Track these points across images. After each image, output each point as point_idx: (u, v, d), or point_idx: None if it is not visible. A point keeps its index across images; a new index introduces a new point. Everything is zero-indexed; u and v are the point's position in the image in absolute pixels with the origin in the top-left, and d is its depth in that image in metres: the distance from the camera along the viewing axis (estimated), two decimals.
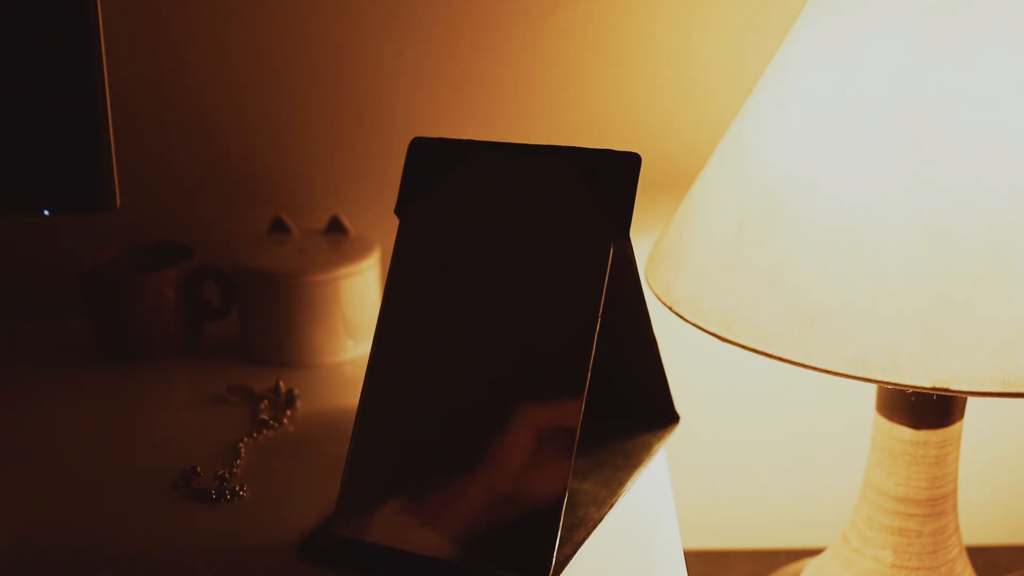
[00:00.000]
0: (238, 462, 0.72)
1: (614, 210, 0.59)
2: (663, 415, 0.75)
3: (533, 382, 0.58)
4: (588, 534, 0.63)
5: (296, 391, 0.80)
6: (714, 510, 1.01)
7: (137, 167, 0.90)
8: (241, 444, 0.74)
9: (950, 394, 0.55)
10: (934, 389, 0.54)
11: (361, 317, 0.87)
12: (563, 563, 0.60)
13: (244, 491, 0.68)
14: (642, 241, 0.88)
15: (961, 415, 0.67)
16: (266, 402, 0.79)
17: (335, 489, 0.62)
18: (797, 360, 0.57)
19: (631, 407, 0.74)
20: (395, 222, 0.64)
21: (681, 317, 0.64)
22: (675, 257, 0.67)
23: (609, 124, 0.92)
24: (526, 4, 0.89)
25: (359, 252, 0.87)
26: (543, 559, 0.56)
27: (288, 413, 0.78)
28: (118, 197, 0.69)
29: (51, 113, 0.67)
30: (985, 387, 0.54)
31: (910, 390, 0.57)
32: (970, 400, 0.69)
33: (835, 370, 0.56)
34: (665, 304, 0.66)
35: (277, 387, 0.80)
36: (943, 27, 0.57)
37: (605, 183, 0.59)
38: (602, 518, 0.64)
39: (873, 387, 0.70)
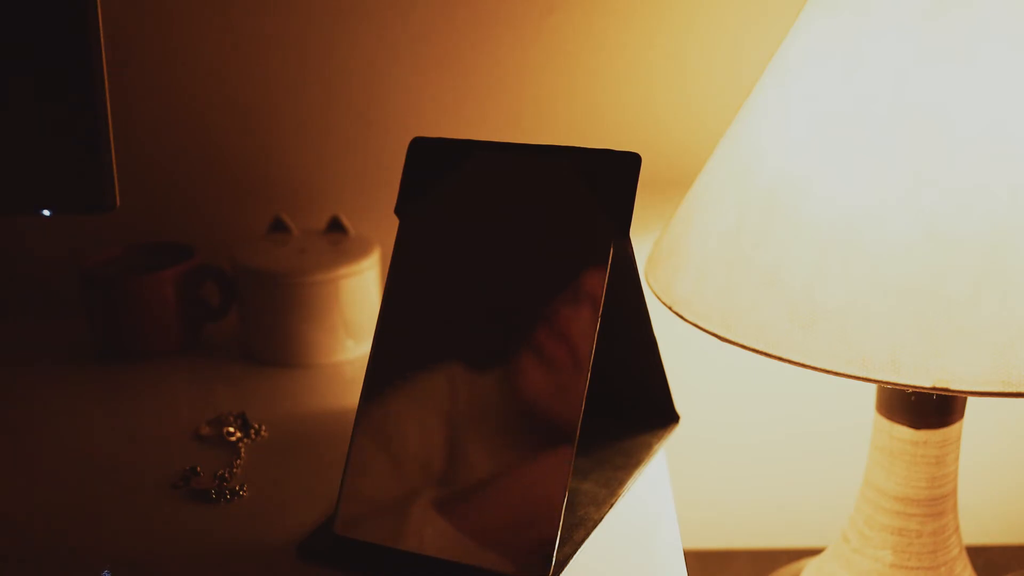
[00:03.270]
0: (238, 462, 0.72)
1: (614, 210, 0.59)
2: (663, 415, 0.74)
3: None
4: (588, 534, 0.63)
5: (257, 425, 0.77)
6: (714, 510, 1.01)
7: (137, 167, 0.90)
8: (241, 444, 0.74)
9: (950, 394, 0.55)
10: (934, 389, 0.54)
11: (361, 317, 0.87)
12: (563, 563, 0.60)
13: (244, 491, 0.68)
14: (642, 241, 0.88)
15: (961, 415, 0.67)
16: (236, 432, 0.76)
17: (335, 489, 0.62)
18: (797, 360, 0.57)
19: (631, 407, 0.74)
20: (395, 222, 0.64)
21: (681, 317, 0.64)
22: (675, 257, 0.67)
23: (609, 124, 0.92)
24: (526, 4, 0.89)
25: (359, 252, 0.87)
26: (543, 559, 0.56)
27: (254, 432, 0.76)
28: (118, 197, 0.69)
29: (51, 113, 0.67)
30: (985, 387, 0.54)
31: (910, 390, 0.57)
32: (970, 400, 0.69)
33: (835, 370, 0.56)
34: (665, 304, 0.66)
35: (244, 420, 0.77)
36: (943, 27, 0.57)
37: (605, 183, 0.59)
38: (602, 518, 0.64)
39: (873, 387, 0.70)
